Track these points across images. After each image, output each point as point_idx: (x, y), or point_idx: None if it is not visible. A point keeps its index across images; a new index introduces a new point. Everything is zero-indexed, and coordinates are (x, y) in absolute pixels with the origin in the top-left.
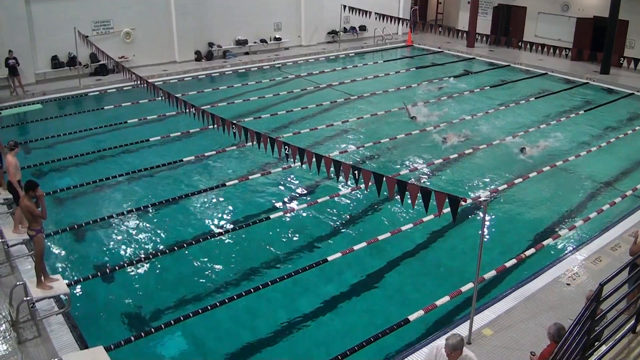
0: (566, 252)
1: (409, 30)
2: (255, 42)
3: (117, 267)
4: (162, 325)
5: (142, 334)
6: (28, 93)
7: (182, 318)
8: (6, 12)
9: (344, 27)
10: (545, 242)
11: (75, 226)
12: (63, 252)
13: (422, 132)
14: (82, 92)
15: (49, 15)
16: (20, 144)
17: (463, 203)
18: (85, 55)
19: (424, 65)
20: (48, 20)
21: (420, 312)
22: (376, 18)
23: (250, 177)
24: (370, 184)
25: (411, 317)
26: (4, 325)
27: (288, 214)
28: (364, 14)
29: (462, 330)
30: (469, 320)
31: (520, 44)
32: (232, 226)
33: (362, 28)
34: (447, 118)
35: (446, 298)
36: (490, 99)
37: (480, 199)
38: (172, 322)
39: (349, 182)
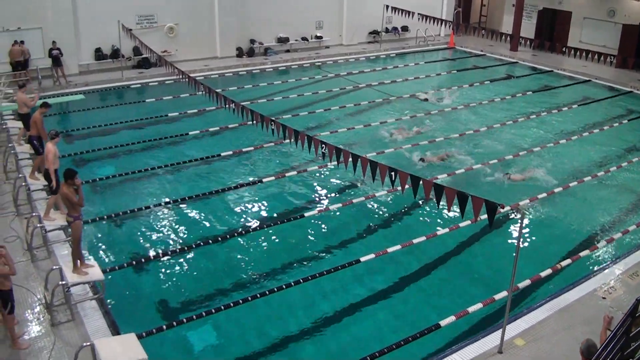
0: (603, 264)
1: (451, 32)
2: (296, 40)
3: (152, 257)
4: (194, 317)
5: (174, 323)
6: (71, 83)
7: (213, 310)
8: (52, 4)
9: (386, 28)
10: (582, 253)
11: (113, 215)
12: (100, 240)
13: (461, 136)
14: (124, 84)
15: (93, 8)
16: (61, 133)
17: (501, 210)
18: (129, 48)
19: (465, 68)
20: (93, 13)
21: (452, 318)
22: (419, 19)
23: (286, 174)
24: (407, 186)
25: (442, 323)
26: (38, 307)
27: (322, 213)
28: (407, 15)
29: (494, 338)
30: (501, 329)
31: (564, 49)
32: (266, 222)
33: (404, 29)
34: (488, 123)
35: (479, 305)
36: (532, 104)
37: (519, 206)
38: (203, 313)
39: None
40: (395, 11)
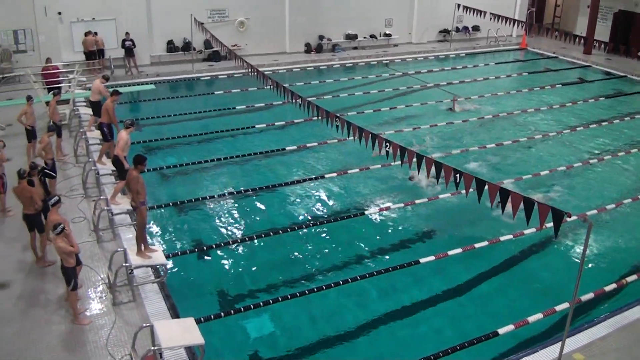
0: None
1: (523, 33)
2: (364, 37)
3: (213, 245)
4: (252, 306)
5: (232, 311)
6: (142, 73)
7: (271, 301)
8: None
9: (457, 27)
10: None
11: (178, 202)
12: (164, 226)
13: (529, 139)
14: (194, 76)
15: (167, 1)
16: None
17: (567, 219)
18: (200, 41)
19: (536, 71)
20: (166, 6)
21: (511, 327)
22: (491, 19)
23: (349, 171)
24: (471, 190)
25: (500, 331)
26: (101, 286)
27: (383, 212)
28: (478, 14)
29: (553, 351)
30: (560, 342)
31: (639, 54)
32: (326, 218)
33: (475, 28)
34: (558, 128)
35: (539, 315)
36: (603, 110)
37: (586, 217)
38: (261, 304)
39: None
40: (466, 10)
